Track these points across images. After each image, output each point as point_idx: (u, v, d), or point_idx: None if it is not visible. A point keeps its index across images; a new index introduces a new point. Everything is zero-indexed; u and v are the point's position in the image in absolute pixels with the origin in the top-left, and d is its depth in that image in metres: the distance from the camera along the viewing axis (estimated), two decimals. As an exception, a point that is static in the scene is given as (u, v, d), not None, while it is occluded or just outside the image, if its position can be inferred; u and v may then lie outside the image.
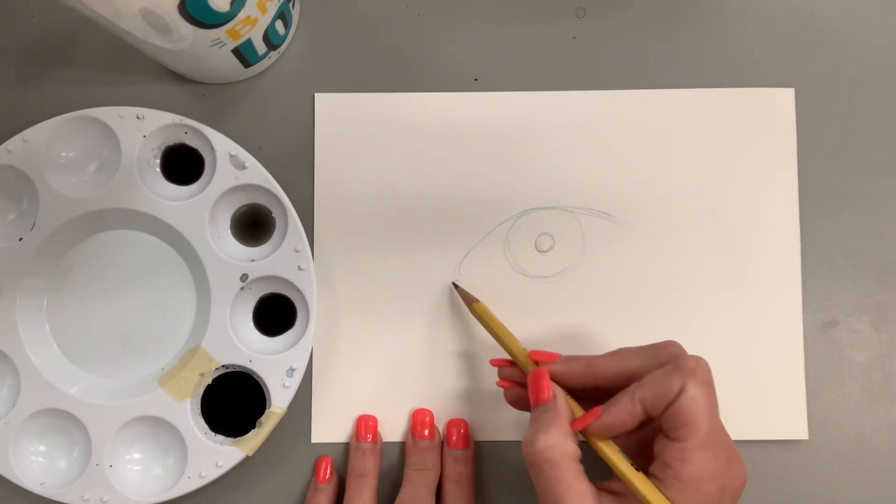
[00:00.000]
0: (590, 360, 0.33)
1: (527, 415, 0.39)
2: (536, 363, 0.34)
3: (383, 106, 0.41)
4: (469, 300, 0.38)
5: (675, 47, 0.41)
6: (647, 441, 0.31)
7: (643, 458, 0.31)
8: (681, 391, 0.29)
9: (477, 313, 0.37)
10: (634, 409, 0.30)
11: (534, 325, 0.40)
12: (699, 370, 0.30)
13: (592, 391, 0.33)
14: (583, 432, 0.31)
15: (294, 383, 0.38)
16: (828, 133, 0.41)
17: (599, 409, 0.31)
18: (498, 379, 0.36)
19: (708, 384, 0.30)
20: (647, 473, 0.30)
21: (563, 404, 0.32)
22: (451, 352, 0.40)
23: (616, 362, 0.32)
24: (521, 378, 0.35)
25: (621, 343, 0.40)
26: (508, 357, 0.36)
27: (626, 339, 0.40)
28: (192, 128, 0.39)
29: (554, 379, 0.33)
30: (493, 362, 0.36)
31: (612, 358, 0.33)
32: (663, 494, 0.29)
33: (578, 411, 0.32)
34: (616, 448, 0.31)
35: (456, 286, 0.40)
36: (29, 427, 0.38)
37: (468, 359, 0.40)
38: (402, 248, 0.40)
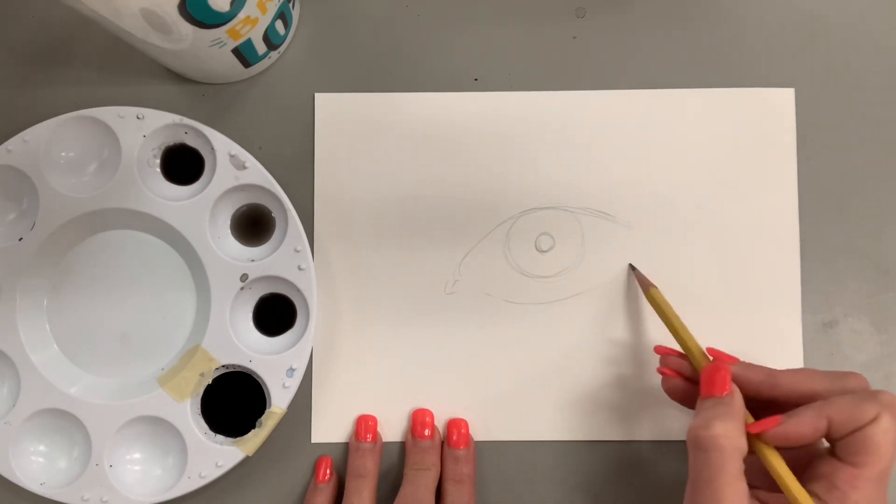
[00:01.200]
0: (770, 372, 0.33)
1: (528, 416, 0.39)
2: (714, 359, 0.33)
3: (383, 106, 0.41)
4: (646, 285, 0.38)
5: (675, 47, 0.41)
6: (799, 461, 0.31)
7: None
8: (875, 419, 0.29)
9: (653, 299, 0.37)
10: (819, 423, 0.30)
11: (534, 325, 0.40)
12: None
13: (764, 402, 0.33)
14: (756, 437, 0.31)
15: (294, 383, 0.38)
16: (828, 133, 0.41)
17: (780, 417, 0.31)
18: (660, 366, 0.36)
19: None
20: (808, 492, 0.30)
21: (741, 402, 0.31)
22: (451, 351, 0.40)
23: (800, 379, 0.32)
24: (687, 371, 0.35)
25: (621, 342, 0.40)
26: (677, 348, 0.36)
27: (625, 339, 0.40)
28: (192, 128, 0.39)
29: (732, 379, 0.32)
30: (659, 349, 0.36)
31: (794, 375, 0.32)
32: None
33: (749, 418, 0.32)
34: (783, 460, 0.31)
35: (633, 268, 0.40)
36: (29, 427, 0.38)
37: (469, 358, 0.40)
38: (402, 247, 0.40)
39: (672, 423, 0.39)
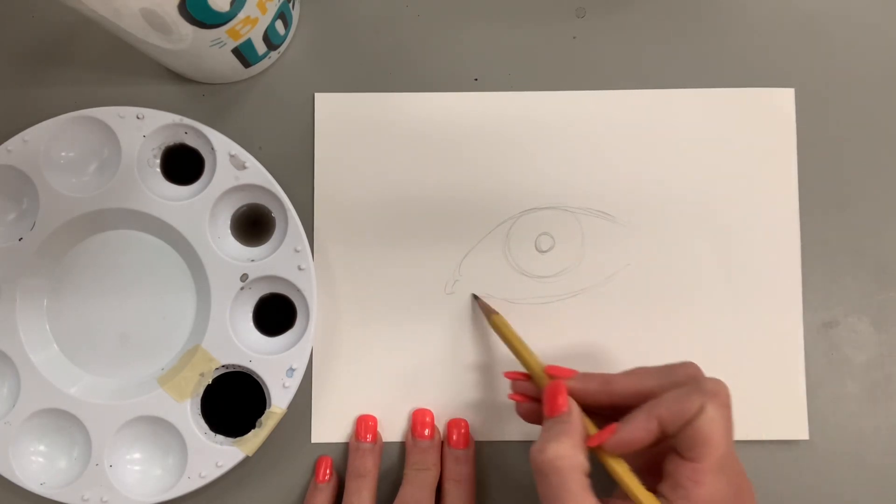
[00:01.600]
0: (606, 378, 0.33)
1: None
2: (552, 377, 0.33)
3: (383, 106, 0.41)
4: (488, 311, 0.38)
5: (675, 47, 0.41)
6: (656, 460, 0.31)
7: (651, 476, 0.31)
8: (700, 411, 0.29)
9: (495, 325, 0.37)
10: (650, 425, 0.30)
11: (534, 325, 0.40)
12: (720, 393, 0.30)
13: (607, 409, 0.33)
14: (596, 448, 0.31)
15: (294, 383, 0.38)
16: (828, 133, 0.41)
17: (615, 425, 0.31)
18: (510, 392, 0.36)
19: (727, 407, 0.30)
20: (655, 493, 0.30)
21: (578, 418, 0.31)
22: (451, 351, 0.40)
23: (632, 381, 0.32)
24: (534, 393, 0.35)
25: (621, 342, 0.40)
26: (523, 370, 0.36)
27: (625, 339, 0.40)
28: (192, 128, 0.39)
29: (570, 394, 0.32)
30: (508, 375, 0.36)
31: (628, 377, 0.33)
32: None
33: (592, 429, 0.32)
34: (627, 466, 0.31)
35: (476, 297, 0.40)
36: (29, 427, 0.38)
37: (468, 358, 0.40)
38: (402, 247, 0.40)
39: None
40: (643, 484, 0.30)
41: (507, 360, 0.40)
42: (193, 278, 0.40)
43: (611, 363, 0.40)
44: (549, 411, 0.32)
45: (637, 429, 0.30)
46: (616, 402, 0.32)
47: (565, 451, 0.30)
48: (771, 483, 0.39)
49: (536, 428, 0.39)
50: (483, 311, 0.39)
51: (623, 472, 0.30)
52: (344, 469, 0.39)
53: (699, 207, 0.40)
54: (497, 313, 0.38)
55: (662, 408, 0.30)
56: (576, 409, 0.32)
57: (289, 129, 0.41)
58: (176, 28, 0.32)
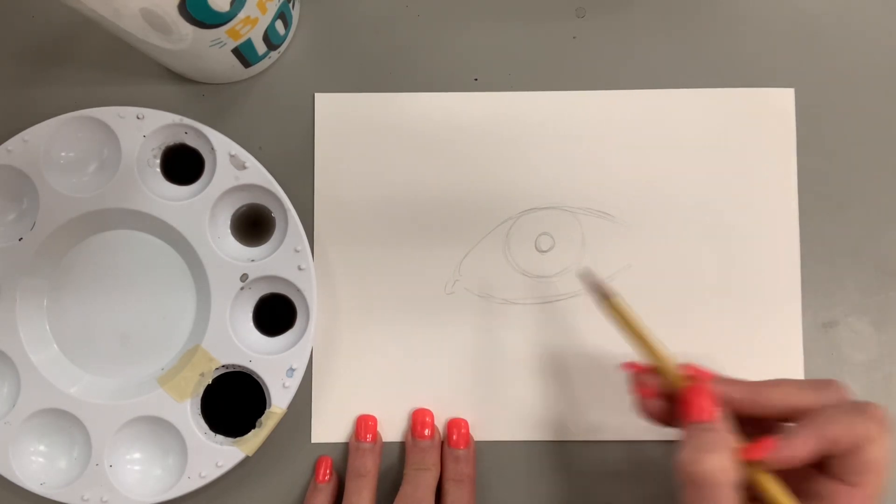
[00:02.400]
0: (753, 387, 0.31)
1: (527, 415, 0.39)
2: (693, 378, 0.31)
3: (383, 106, 0.41)
4: (604, 293, 0.34)
5: (675, 47, 0.41)
6: (786, 478, 0.30)
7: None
8: (872, 438, 0.29)
9: (614, 309, 0.33)
10: (817, 445, 0.29)
11: (534, 325, 0.40)
12: (886, 420, 0.29)
13: (743, 417, 0.31)
14: (749, 463, 0.30)
15: (294, 383, 0.38)
16: (828, 133, 0.41)
17: (773, 440, 0.29)
18: (632, 385, 0.33)
19: (893, 435, 0.29)
20: None
21: (728, 425, 0.30)
22: (451, 351, 0.40)
23: (785, 395, 0.31)
24: (661, 387, 0.32)
25: (621, 342, 0.40)
26: (643, 362, 0.33)
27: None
28: (192, 128, 0.39)
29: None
30: (630, 366, 0.33)
31: (778, 389, 0.31)
32: None
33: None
34: (781, 484, 0.29)
35: (587, 276, 0.36)
36: (29, 427, 0.38)
37: (469, 358, 0.40)
38: (402, 247, 0.40)
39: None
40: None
41: (507, 359, 0.40)
42: (193, 278, 0.40)
43: (611, 363, 0.40)
44: (696, 416, 0.30)
45: (801, 446, 0.29)
46: (760, 413, 0.31)
47: (723, 463, 0.28)
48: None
49: (536, 429, 0.39)
50: (595, 293, 0.34)
51: (776, 491, 0.29)
52: (344, 469, 0.39)
53: (699, 207, 0.40)
54: (616, 295, 0.34)
55: (832, 429, 0.29)
56: (725, 417, 0.30)
57: (289, 129, 0.41)
58: (176, 28, 0.32)
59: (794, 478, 0.30)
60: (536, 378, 0.40)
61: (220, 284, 0.38)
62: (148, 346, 0.40)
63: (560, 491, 0.39)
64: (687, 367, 0.32)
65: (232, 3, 0.33)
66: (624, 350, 0.40)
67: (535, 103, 0.41)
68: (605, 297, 0.34)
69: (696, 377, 0.32)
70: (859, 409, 0.29)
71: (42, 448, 0.38)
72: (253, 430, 0.38)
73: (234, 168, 0.38)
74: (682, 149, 0.40)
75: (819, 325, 0.40)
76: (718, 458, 0.28)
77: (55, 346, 0.40)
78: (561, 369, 0.40)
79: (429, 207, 0.40)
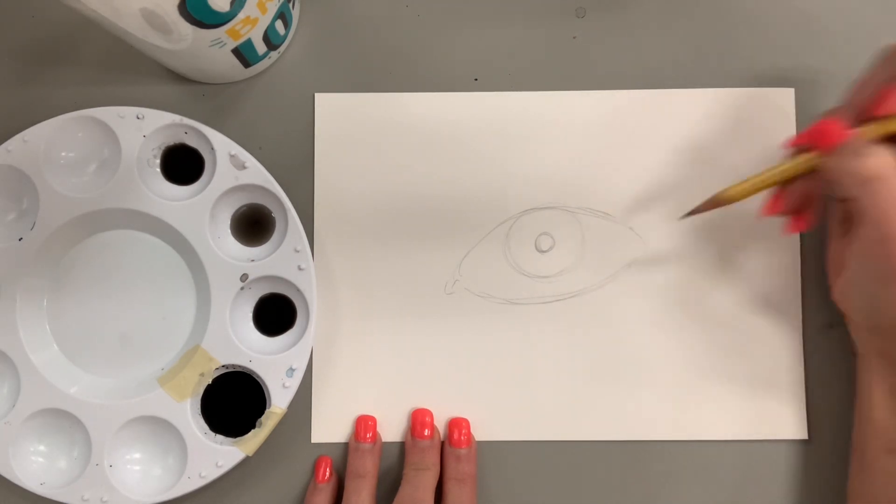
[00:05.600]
0: (854, 92, 0.35)
1: (528, 416, 0.39)
2: (823, 129, 0.34)
3: (383, 106, 0.41)
4: (715, 201, 0.36)
5: (675, 47, 0.41)
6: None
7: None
8: None
9: (733, 196, 0.35)
10: None
11: (534, 325, 0.40)
12: None
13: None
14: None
15: (294, 383, 0.38)
16: (828, 133, 0.41)
17: None
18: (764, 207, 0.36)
19: None
20: None
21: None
22: (451, 351, 0.40)
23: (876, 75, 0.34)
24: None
25: (621, 342, 0.40)
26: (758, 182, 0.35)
27: (626, 338, 0.40)
28: (192, 128, 0.39)
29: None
30: (790, 143, 0.36)
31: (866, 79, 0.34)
32: None
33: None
34: None
35: (698, 210, 0.37)
36: (29, 427, 0.38)
37: (469, 358, 0.40)
38: (402, 247, 0.40)
39: (671, 422, 0.39)
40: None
41: (507, 359, 0.40)
42: (193, 278, 0.40)
43: (611, 363, 0.40)
44: (837, 138, 0.33)
45: None
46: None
47: (886, 158, 0.31)
48: (770, 483, 0.39)
49: (536, 429, 0.39)
50: (706, 207, 0.36)
51: None
52: (344, 469, 0.39)
53: (699, 207, 0.40)
54: (722, 192, 0.35)
55: None
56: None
57: (289, 129, 0.41)
58: (176, 28, 0.32)
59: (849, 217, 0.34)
60: (536, 378, 0.40)
61: (220, 284, 0.38)
62: (148, 346, 0.40)
63: (560, 491, 0.39)
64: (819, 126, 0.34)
65: (232, 3, 0.33)
66: (625, 349, 0.40)
67: (535, 103, 0.41)
68: (717, 203, 0.36)
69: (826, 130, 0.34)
70: None
71: (42, 448, 0.38)
72: (253, 430, 0.38)
73: (234, 168, 0.38)
74: (682, 148, 0.40)
75: (819, 326, 0.40)
76: (875, 155, 0.31)
77: (55, 346, 0.40)
78: (561, 369, 0.40)
79: (429, 207, 0.40)
